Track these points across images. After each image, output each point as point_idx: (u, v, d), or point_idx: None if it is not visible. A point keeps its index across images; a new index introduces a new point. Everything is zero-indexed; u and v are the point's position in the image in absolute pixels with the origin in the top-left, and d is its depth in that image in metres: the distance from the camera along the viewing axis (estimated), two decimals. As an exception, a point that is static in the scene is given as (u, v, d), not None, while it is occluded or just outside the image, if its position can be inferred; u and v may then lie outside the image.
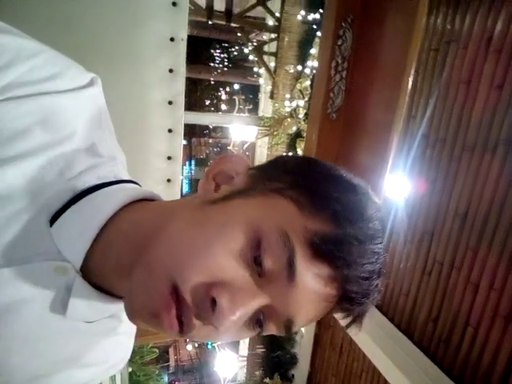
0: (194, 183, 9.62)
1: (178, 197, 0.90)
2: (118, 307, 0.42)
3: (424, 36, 2.06)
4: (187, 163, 9.78)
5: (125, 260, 0.39)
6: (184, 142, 9.34)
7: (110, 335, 0.50)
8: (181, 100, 0.85)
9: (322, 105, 0.94)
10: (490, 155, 1.67)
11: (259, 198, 0.38)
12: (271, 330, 0.38)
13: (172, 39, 0.80)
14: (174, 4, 0.77)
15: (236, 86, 6.72)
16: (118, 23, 0.74)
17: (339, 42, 0.89)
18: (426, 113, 2.10)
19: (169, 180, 0.90)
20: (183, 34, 0.81)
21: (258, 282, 0.35)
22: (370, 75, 0.95)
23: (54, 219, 0.40)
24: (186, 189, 9.70)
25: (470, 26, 1.82)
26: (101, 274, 0.41)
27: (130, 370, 3.05)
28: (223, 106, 7.39)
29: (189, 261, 0.35)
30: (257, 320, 0.37)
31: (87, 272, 0.41)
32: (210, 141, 8.87)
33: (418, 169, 2.10)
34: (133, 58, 0.78)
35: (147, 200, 0.47)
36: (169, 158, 0.88)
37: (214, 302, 0.33)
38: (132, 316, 0.37)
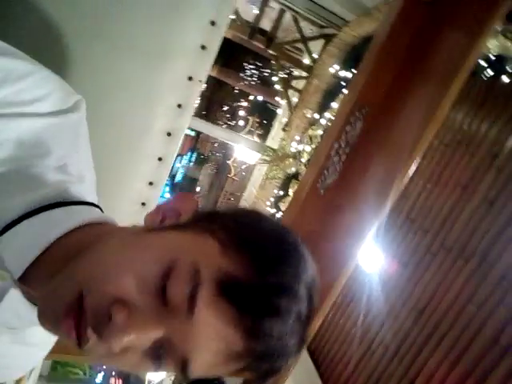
0: (187, 178, 9.60)
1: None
2: None
3: (440, 127, 2.12)
4: (189, 154, 9.75)
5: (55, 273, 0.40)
6: (192, 134, 9.38)
7: (19, 343, 0.49)
8: (180, 134, 0.86)
9: (313, 178, 0.96)
10: (462, 263, 1.71)
11: (189, 234, 0.38)
12: (170, 366, 0.37)
13: (190, 78, 0.81)
14: (204, 47, 0.79)
15: (254, 107, 6.79)
16: (143, 52, 0.76)
17: (347, 129, 0.91)
18: (419, 198, 2.15)
19: (143, 203, 0.91)
20: (203, 76, 0.82)
21: (161, 311, 0.35)
22: (368, 163, 0.97)
23: (6, 229, 0.41)
24: (179, 178, 9.66)
25: (483, 136, 1.88)
26: (36, 284, 0.42)
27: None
28: (240, 112, 7.43)
29: (99, 274, 0.36)
30: (159, 354, 0.36)
31: (26, 282, 0.41)
32: (216, 145, 8.88)
33: (395, 249, 2.13)
34: (146, 87, 0.79)
35: (101, 224, 0.48)
36: (150, 183, 0.88)
37: (111, 317, 0.34)
38: (40, 318, 0.37)
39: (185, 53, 0.79)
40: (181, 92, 0.82)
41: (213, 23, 0.79)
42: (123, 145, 0.83)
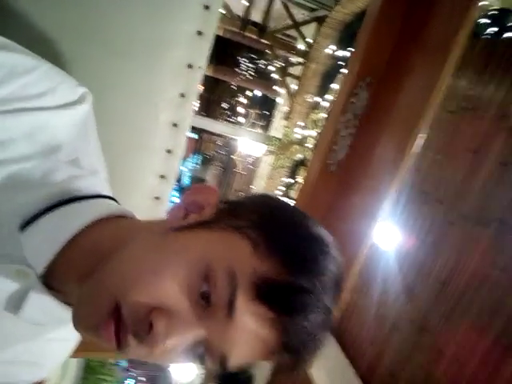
0: (194, 180, 9.62)
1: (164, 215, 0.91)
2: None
3: (444, 95, 2.09)
4: (193, 156, 9.80)
5: (84, 272, 0.40)
6: (195, 136, 9.42)
7: (48, 338, 0.51)
8: (186, 124, 0.86)
9: (323, 155, 0.95)
10: (481, 229, 1.68)
11: (219, 233, 0.39)
12: (208, 362, 0.38)
13: (190, 66, 0.81)
14: (200, 33, 0.79)
15: (254, 100, 6.76)
16: (139, 44, 0.76)
17: (353, 100, 0.90)
18: (430, 169, 2.12)
19: (157, 198, 0.91)
20: (202, 62, 0.82)
21: (199, 314, 0.36)
22: (377, 134, 0.96)
23: (26, 225, 0.41)
24: (186, 182, 9.71)
25: (490, 98, 1.84)
26: (61, 281, 0.43)
27: (87, 354, 3.02)
28: (239, 109, 7.41)
29: (134, 282, 0.36)
30: (197, 351, 0.37)
31: (49, 277, 0.42)
32: (219, 143, 8.88)
33: (411, 223, 2.11)
34: (146, 79, 0.79)
35: (120, 217, 0.48)
36: (162, 176, 0.89)
37: (151, 324, 0.34)
38: (76, 324, 0.38)
39: (182, 40, 0.78)
40: (182, 81, 0.82)
41: (206, 7, 0.78)
42: (131, 141, 0.83)
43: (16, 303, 0.41)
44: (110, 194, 0.52)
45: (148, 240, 0.40)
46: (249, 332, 0.36)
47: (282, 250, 0.36)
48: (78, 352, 0.60)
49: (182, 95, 0.83)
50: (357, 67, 0.96)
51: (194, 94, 0.84)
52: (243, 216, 0.40)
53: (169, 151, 0.86)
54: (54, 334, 0.50)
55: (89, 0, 0.70)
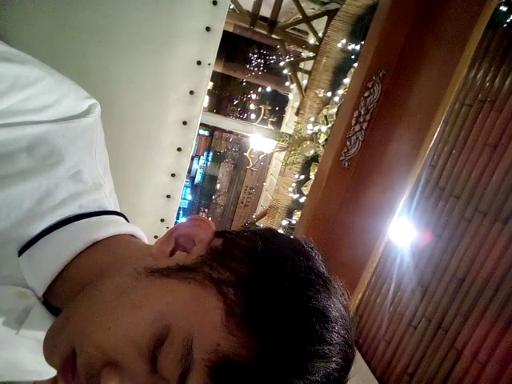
0: (207, 177, 9.70)
1: (175, 213, 0.91)
2: None
3: (460, 89, 2.03)
4: (205, 154, 9.88)
5: (75, 295, 0.40)
6: (206, 133, 9.46)
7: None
8: (196, 122, 0.85)
9: (335, 151, 0.93)
10: (500, 224, 1.63)
11: (193, 286, 0.34)
12: None
13: (199, 62, 0.80)
14: (208, 29, 0.77)
15: (265, 96, 6.74)
16: (147, 41, 0.75)
17: (366, 94, 0.88)
18: (446, 165, 2.07)
19: (168, 196, 0.91)
20: (211, 58, 0.81)
21: (152, 378, 0.33)
22: (391, 129, 0.94)
23: (24, 248, 0.41)
24: (198, 179, 9.78)
25: (509, 90, 1.78)
26: (61, 299, 0.42)
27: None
28: (251, 105, 7.39)
29: (90, 333, 0.34)
30: None
31: (49, 295, 0.41)
32: (231, 139, 8.89)
33: (427, 219, 2.06)
34: (155, 76, 0.78)
35: (121, 236, 0.46)
36: (173, 174, 0.88)
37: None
38: (44, 357, 0.37)
39: (190, 37, 0.77)
40: (191, 78, 0.81)
41: (215, 3, 0.77)
42: (141, 139, 0.83)
43: (17, 321, 0.41)
44: (117, 208, 0.51)
45: (119, 283, 0.37)
46: None
47: (261, 325, 0.29)
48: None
49: (192, 92, 0.82)
50: (369, 60, 0.93)
51: (204, 91, 0.83)
52: (231, 264, 0.34)
53: (179, 149, 0.85)
54: None
55: (97, 2, 0.69)
